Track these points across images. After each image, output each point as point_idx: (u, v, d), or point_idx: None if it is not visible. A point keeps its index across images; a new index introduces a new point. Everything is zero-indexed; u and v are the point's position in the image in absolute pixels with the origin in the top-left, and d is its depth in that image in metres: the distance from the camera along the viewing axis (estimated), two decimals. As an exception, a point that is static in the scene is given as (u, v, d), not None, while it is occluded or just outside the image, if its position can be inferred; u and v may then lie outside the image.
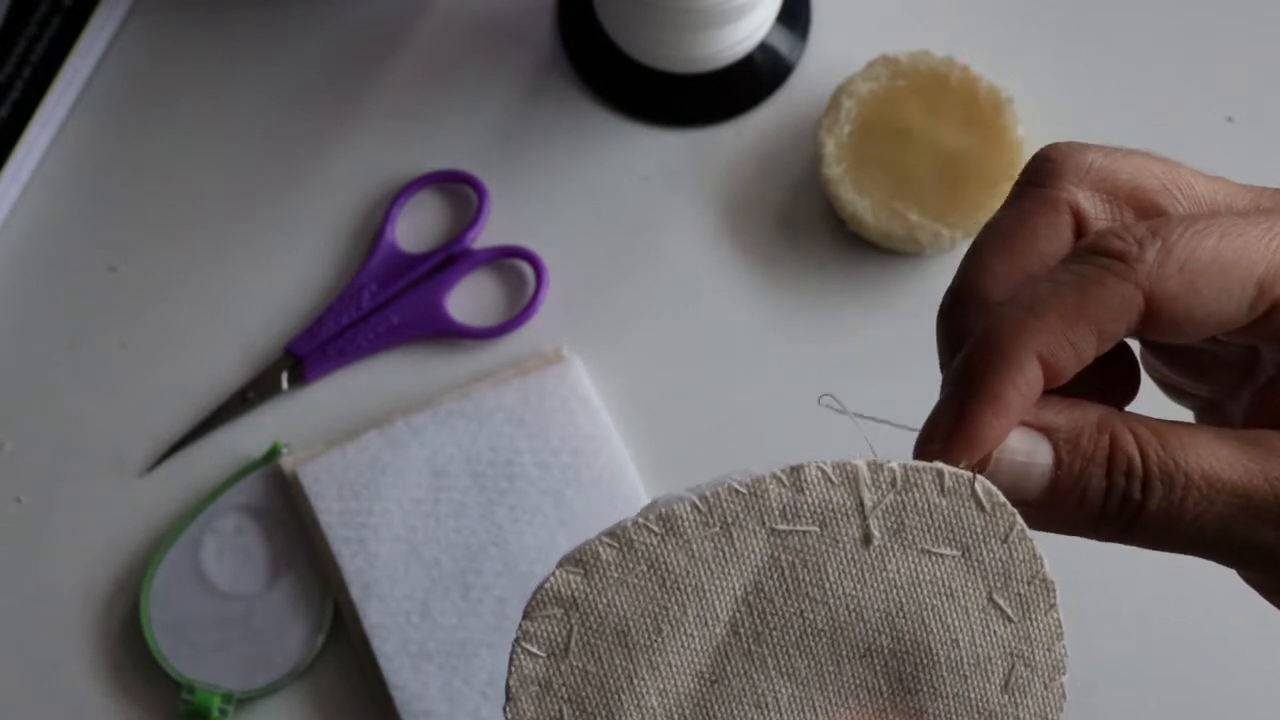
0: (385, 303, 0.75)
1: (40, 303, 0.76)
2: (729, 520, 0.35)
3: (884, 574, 0.36)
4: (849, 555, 0.36)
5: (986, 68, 0.74)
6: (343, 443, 0.72)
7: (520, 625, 0.35)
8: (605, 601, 0.35)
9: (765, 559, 0.35)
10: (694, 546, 0.35)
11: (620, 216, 0.76)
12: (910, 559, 0.35)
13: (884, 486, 0.36)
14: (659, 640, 0.36)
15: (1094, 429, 0.38)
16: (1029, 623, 0.36)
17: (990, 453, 0.37)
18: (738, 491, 0.35)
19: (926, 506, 0.35)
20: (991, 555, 0.36)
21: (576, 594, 0.35)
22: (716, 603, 0.36)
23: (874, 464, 0.37)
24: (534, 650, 0.35)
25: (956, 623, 0.36)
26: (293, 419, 0.74)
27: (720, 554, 0.35)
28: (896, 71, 0.74)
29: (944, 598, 0.36)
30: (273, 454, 0.73)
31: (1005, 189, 0.73)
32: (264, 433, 0.74)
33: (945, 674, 0.36)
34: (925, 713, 0.36)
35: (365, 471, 0.72)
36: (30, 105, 0.76)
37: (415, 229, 0.76)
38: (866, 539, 0.35)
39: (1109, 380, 0.40)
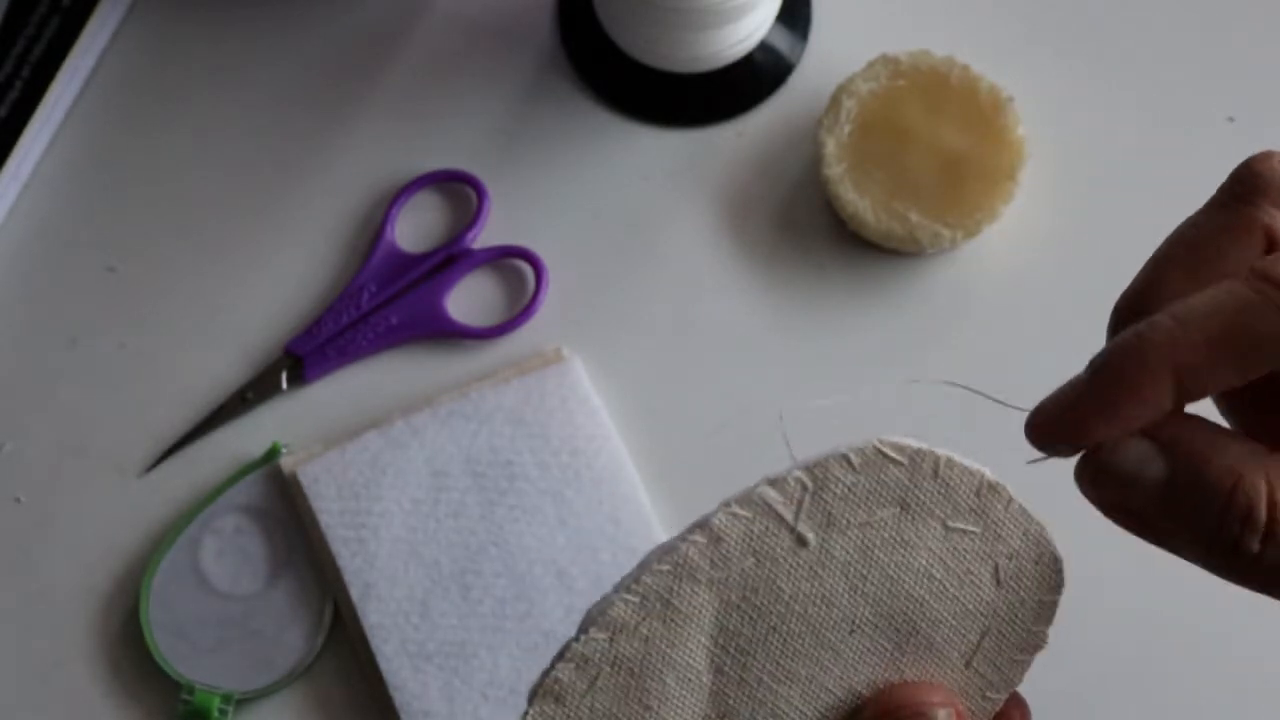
0: (385, 303, 0.75)
1: (40, 303, 0.76)
2: (667, 597, 0.36)
3: (833, 561, 0.36)
4: (793, 564, 0.36)
5: (986, 67, 0.74)
6: (342, 443, 0.72)
7: None
8: (588, 711, 0.36)
9: (717, 606, 0.36)
10: (644, 631, 0.36)
11: (620, 216, 0.76)
12: (852, 537, 0.36)
13: (794, 496, 0.36)
14: (654, 714, 0.36)
15: (1225, 467, 0.36)
16: (992, 524, 0.37)
17: (1096, 446, 0.37)
18: (663, 572, 0.36)
19: (845, 490, 0.36)
20: (928, 494, 0.37)
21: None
22: (691, 661, 0.36)
23: (776, 480, 0.37)
24: None
25: (923, 561, 0.37)
26: (292, 419, 0.74)
27: (672, 625, 0.36)
28: (896, 71, 0.74)
29: (902, 549, 0.37)
30: (272, 454, 0.73)
31: (1005, 189, 0.73)
32: (263, 433, 0.74)
33: (935, 604, 0.37)
34: (934, 642, 0.37)
35: (365, 471, 0.72)
36: (29, 105, 0.76)
37: (415, 229, 0.76)
38: (801, 542, 0.36)
39: (1266, 410, 0.39)
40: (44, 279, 0.76)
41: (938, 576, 0.37)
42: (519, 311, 0.75)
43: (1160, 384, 0.36)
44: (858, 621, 0.37)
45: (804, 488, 0.37)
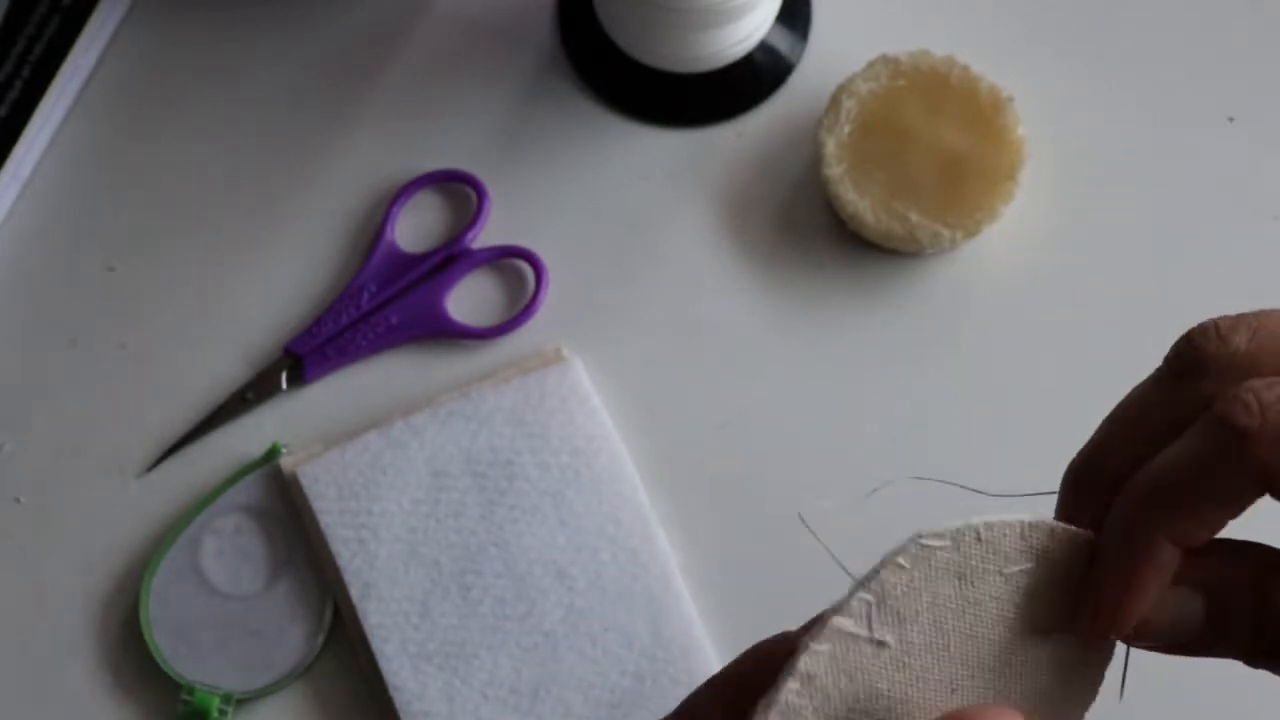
0: (385, 303, 0.75)
1: (40, 303, 0.76)
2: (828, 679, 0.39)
3: (914, 647, 0.40)
4: (881, 664, 0.40)
5: (986, 67, 0.74)
6: (342, 443, 0.72)
7: None
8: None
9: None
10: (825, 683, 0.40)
11: (620, 216, 0.76)
12: (924, 620, 0.40)
13: (863, 614, 0.39)
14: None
15: (1245, 584, 0.38)
16: (1042, 553, 0.40)
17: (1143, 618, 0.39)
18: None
19: (904, 589, 0.40)
20: (978, 558, 0.40)
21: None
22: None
23: (841, 607, 0.40)
24: None
25: (994, 609, 0.40)
26: (292, 419, 0.74)
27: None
28: (896, 71, 0.74)
29: (971, 609, 0.40)
30: (272, 454, 0.73)
31: (1005, 189, 0.73)
32: (263, 433, 0.74)
33: (1017, 635, 0.41)
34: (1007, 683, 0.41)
35: (365, 472, 0.72)
36: (29, 104, 0.76)
37: (415, 229, 0.76)
38: (882, 645, 0.39)
39: None
40: (44, 279, 0.76)
41: (1010, 615, 0.40)
42: (519, 311, 0.75)
43: (1163, 553, 0.38)
44: (956, 682, 0.40)
45: (868, 604, 0.39)
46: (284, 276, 0.76)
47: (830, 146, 0.73)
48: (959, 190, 0.72)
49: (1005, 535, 0.40)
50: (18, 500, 0.74)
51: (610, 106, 0.77)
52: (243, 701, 0.71)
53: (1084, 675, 0.42)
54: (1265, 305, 0.79)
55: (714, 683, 0.41)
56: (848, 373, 0.74)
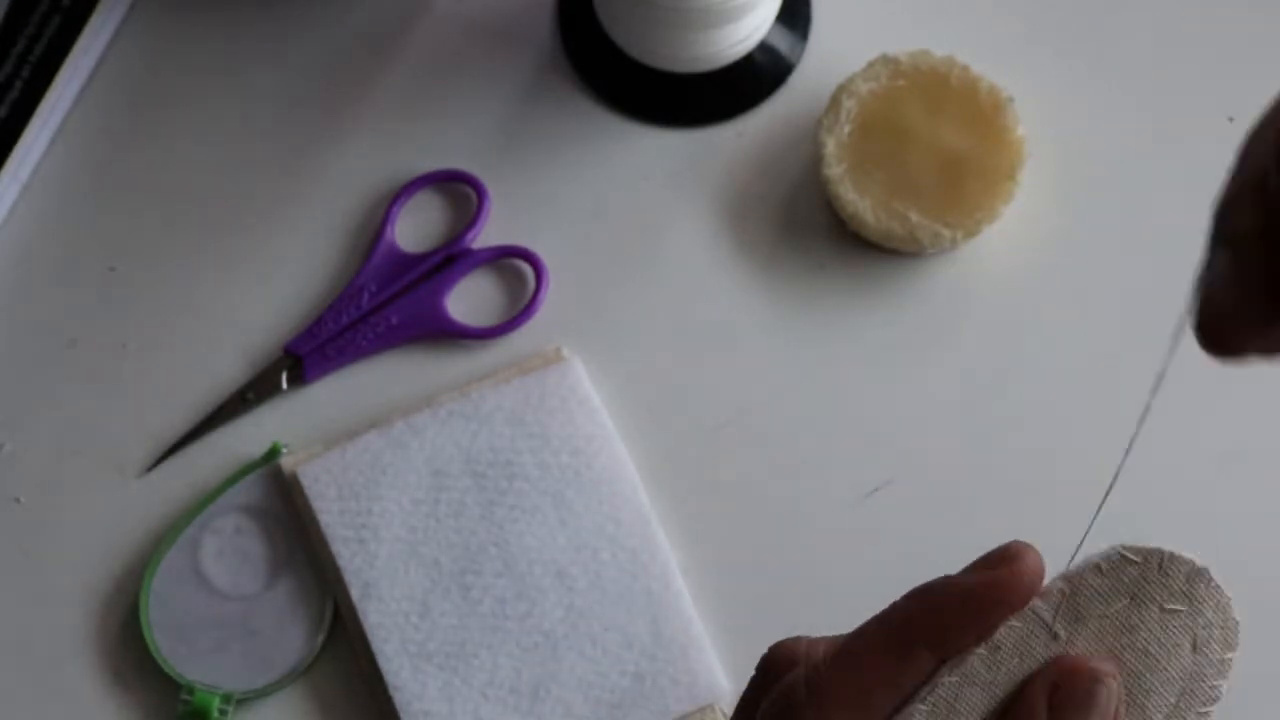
0: (385, 303, 0.75)
1: (40, 303, 0.76)
2: (953, 702, 0.42)
3: (1074, 649, 0.43)
4: (1044, 655, 0.43)
5: (986, 68, 0.74)
6: (342, 443, 0.72)
7: None
8: None
9: (985, 703, 0.43)
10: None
11: (620, 216, 0.76)
12: (1091, 627, 0.43)
13: (1055, 601, 0.43)
14: None
15: None
16: (1195, 601, 0.44)
17: None
18: (951, 683, 0.42)
19: (1093, 592, 0.43)
20: (1153, 584, 0.44)
21: None
22: None
23: (1044, 592, 0.43)
24: None
25: (1143, 640, 0.44)
26: (292, 419, 0.74)
27: None
28: (896, 71, 0.74)
29: (1127, 633, 0.44)
30: (272, 454, 0.73)
31: (1005, 189, 0.73)
32: (263, 433, 0.74)
33: (1149, 675, 0.44)
34: (1146, 707, 0.44)
35: (365, 471, 0.72)
36: (30, 104, 0.76)
37: (415, 229, 0.76)
38: (1054, 637, 0.43)
39: None
40: (44, 279, 0.76)
41: (1153, 652, 0.43)
42: (519, 311, 0.75)
43: None
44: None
45: (1063, 594, 0.43)
46: (284, 276, 0.76)
47: (830, 146, 0.73)
48: (959, 190, 0.72)
49: (1178, 570, 0.44)
50: (18, 500, 0.74)
51: (610, 106, 0.77)
52: (243, 701, 0.71)
53: None
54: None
55: (880, 622, 0.42)
56: (848, 373, 0.74)
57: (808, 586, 0.72)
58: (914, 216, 0.72)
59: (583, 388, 0.73)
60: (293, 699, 0.72)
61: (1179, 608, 0.43)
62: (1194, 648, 0.44)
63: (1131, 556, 0.43)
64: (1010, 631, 0.42)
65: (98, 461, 0.74)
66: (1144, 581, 0.43)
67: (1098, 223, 0.76)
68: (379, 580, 0.71)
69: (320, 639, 0.71)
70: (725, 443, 0.74)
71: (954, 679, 0.42)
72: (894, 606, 0.42)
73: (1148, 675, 0.44)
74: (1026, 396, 0.74)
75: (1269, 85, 0.78)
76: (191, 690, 0.71)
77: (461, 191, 0.77)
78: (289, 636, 0.71)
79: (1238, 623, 0.45)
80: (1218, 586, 0.44)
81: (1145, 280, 0.75)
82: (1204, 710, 0.45)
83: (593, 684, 0.70)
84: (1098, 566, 0.43)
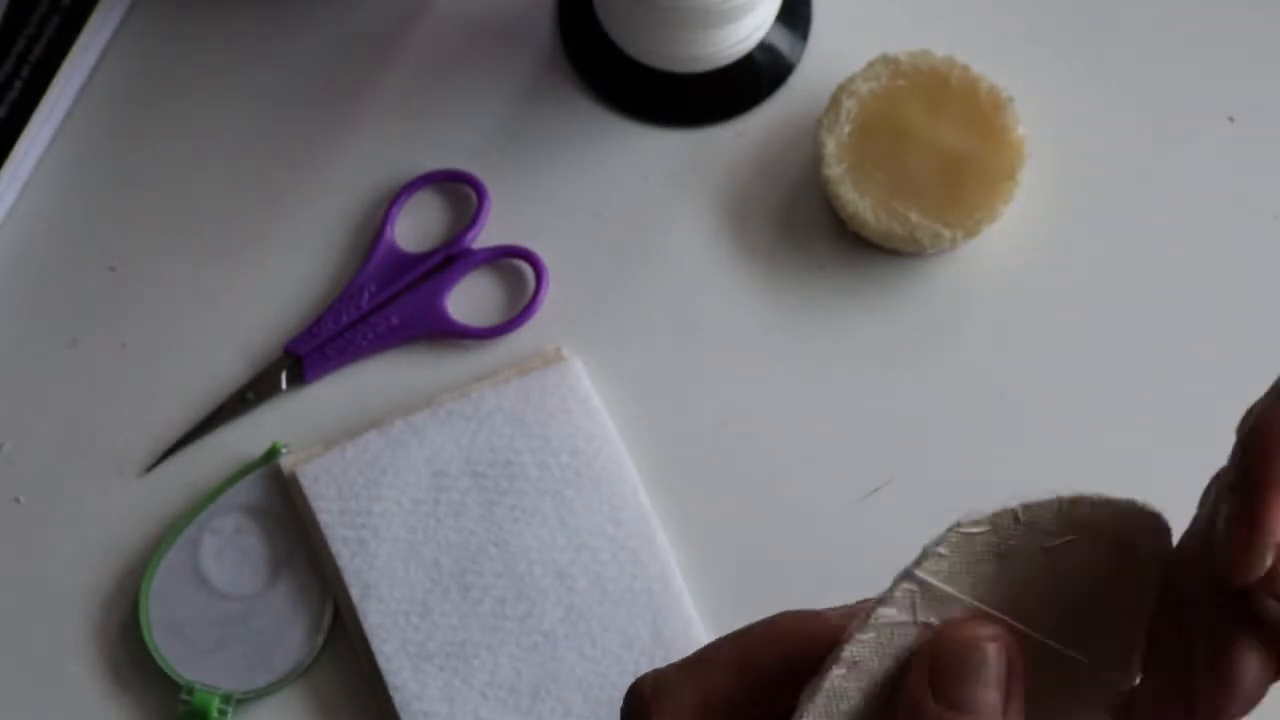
0: (385, 303, 0.75)
1: (40, 303, 0.76)
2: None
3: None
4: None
5: (987, 68, 0.74)
6: (342, 443, 0.72)
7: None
8: None
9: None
10: None
11: (620, 216, 0.76)
12: (965, 599, 0.41)
13: (906, 604, 0.41)
14: None
15: None
16: (1083, 525, 0.42)
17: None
18: (815, 710, 0.40)
19: (946, 575, 0.41)
20: (1018, 536, 0.41)
21: None
22: None
23: (885, 599, 0.41)
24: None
25: (1037, 581, 0.42)
26: (292, 419, 0.74)
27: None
28: (897, 71, 0.74)
29: (1011, 584, 0.41)
30: (272, 454, 0.73)
31: (1005, 189, 0.73)
32: (263, 433, 0.74)
33: (1062, 601, 0.42)
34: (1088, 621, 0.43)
35: (365, 471, 0.72)
36: (29, 104, 0.76)
37: (415, 229, 0.76)
38: (928, 627, 0.41)
39: None
40: (44, 279, 0.76)
41: (1056, 580, 0.41)
42: (519, 311, 0.75)
43: None
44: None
45: (912, 594, 0.40)
46: (284, 276, 0.76)
47: (830, 146, 0.73)
48: (959, 190, 0.72)
49: (1043, 513, 0.41)
50: (18, 500, 0.74)
51: (610, 106, 0.77)
52: (243, 701, 0.71)
53: (1115, 653, 0.43)
54: (1263, 305, 0.80)
55: (735, 639, 0.42)
56: (848, 373, 0.74)
57: (808, 586, 0.72)
58: (914, 216, 0.72)
59: (583, 388, 0.73)
60: (293, 699, 0.72)
61: (1065, 539, 0.41)
62: (1118, 554, 0.42)
63: (973, 530, 0.41)
64: (863, 645, 0.40)
65: (98, 461, 0.74)
66: (1004, 541, 0.41)
67: (1098, 223, 0.76)
68: (379, 580, 0.71)
69: (320, 639, 0.71)
70: (725, 443, 0.74)
71: (817, 703, 0.40)
72: (754, 623, 0.42)
73: (1062, 595, 0.42)
74: (1026, 396, 0.74)
75: (1269, 85, 0.79)
76: (191, 690, 0.71)
77: (461, 191, 0.77)
78: (289, 636, 0.71)
79: (1156, 510, 0.42)
80: (1105, 498, 0.42)
81: (1145, 280, 0.75)
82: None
83: (592, 684, 0.70)
84: (937, 554, 0.41)
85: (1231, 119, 0.77)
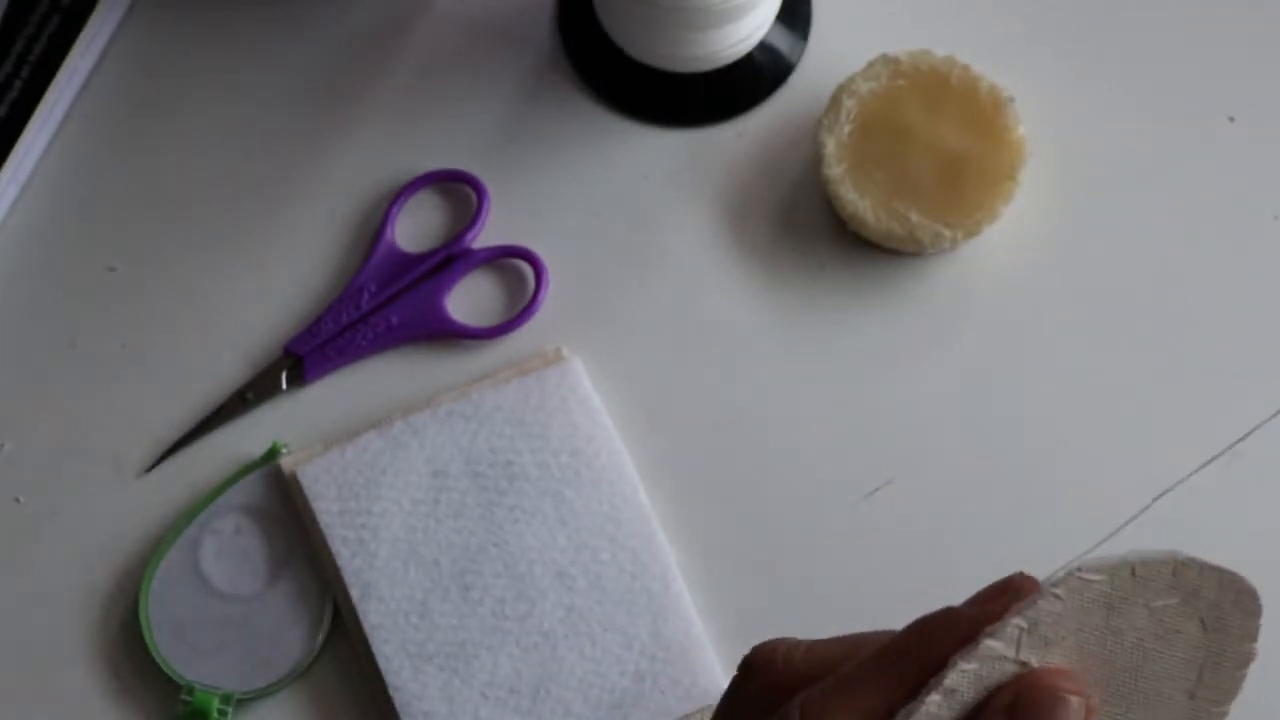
0: (385, 303, 0.75)
1: (40, 303, 0.76)
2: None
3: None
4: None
5: (987, 67, 0.74)
6: (342, 443, 0.72)
7: None
8: None
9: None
10: None
11: (620, 216, 0.76)
12: (1068, 644, 0.42)
13: (1013, 639, 0.42)
14: None
15: None
16: (1189, 591, 0.43)
17: None
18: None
19: (1055, 618, 0.42)
20: (1129, 590, 0.43)
21: None
22: None
23: (995, 631, 0.42)
24: None
25: (1133, 639, 0.43)
26: (292, 419, 0.74)
27: None
28: (897, 71, 0.74)
29: (1112, 637, 0.43)
30: (272, 454, 0.73)
31: (1005, 189, 0.73)
32: (263, 433, 0.74)
33: (1152, 665, 0.44)
34: (1159, 691, 0.44)
35: (365, 472, 0.72)
36: (29, 104, 0.76)
37: (415, 229, 0.76)
38: (1025, 666, 0.42)
39: None
40: (44, 279, 0.76)
41: (1149, 645, 0.43)
42: (519, 311, 0.75)
43: None
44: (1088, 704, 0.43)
45: (1020, 629, 0.41)
46: (284, 276, 0.76)
47: (830, 146, 0.73)
48: (959, 190, 0.72)
49: (1157, 572, 0.43)
50: (18, 500, 0.74)
51: (610, 106, 0.77)
52: (243, 701, 0.71)
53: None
54: (1263, 305, 0.80)
55: (880, 656, 0.42)
56: (848, 373, 0.74)
57: (808, 586, 0.72)
58: (914, 216, 0.72)
59: (583, 388, 0.73)
60: (293, 699, 0.72)
61: (1169, 602, 0.43)
62: (1204, 628, 0.43)
63: (1091, 577, 0.42)
64: (965, 676, 0.41)
65: (98, 461, 0.74)
66: (1115, 592, 0.42)
67: (1098, 223, 0.76)
68: (379, 580, 0.71)
69: (320, 639, 0.71)
70: (725, 443, 0.74)
71: None
72: (894, 639, 0.42)
73: (1149, 665, 0.43)
74: (1026, 396, 0.74)
75: (1269, 85, 0.79)
76: (191, 690, 0.71)
77: (461, 191, 0.77)
78: (289, 636, 0.71)
79: (1253, 591, 0.44)
80: (1214, 567, 0.43)
81: (1145, 280, 0.75)
82: (1237, 672, 0.45)
83: (593, 684, 0.70)
84: (1055, 595, 0.42)
85: (1231, 119, 0.77)
